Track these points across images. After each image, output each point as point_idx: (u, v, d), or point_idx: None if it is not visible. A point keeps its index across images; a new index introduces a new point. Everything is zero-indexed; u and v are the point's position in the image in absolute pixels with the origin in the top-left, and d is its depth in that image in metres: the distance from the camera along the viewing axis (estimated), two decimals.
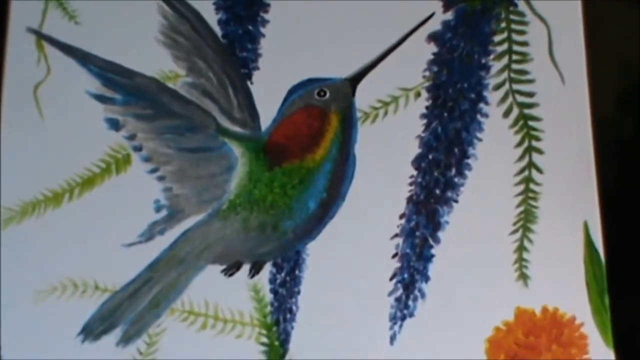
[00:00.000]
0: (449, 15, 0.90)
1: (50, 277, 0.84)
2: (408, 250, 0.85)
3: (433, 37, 0.89)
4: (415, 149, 0.87)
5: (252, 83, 0.89)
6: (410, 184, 0.86)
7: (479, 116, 0.88)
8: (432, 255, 0.85)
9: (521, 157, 0.87)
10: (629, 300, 0.86)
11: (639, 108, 0.92)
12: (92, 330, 0.83)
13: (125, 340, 0.83)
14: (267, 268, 0.85)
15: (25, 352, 0.83)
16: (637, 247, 0.90)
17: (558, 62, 0.89)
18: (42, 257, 0.85)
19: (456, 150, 0.87)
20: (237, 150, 0.87)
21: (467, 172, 0.87)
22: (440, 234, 0.86)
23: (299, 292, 0.84)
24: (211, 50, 0.88)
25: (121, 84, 0.87)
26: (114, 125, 0.87)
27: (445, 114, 0.87)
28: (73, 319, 0.84)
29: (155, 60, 0.89)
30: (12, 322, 0.83)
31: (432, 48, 0.89)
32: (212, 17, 0.90)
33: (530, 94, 0.88)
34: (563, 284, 0.85)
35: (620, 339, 0.84)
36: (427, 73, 0.89)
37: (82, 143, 0.87)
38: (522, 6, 0.90)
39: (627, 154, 0.91)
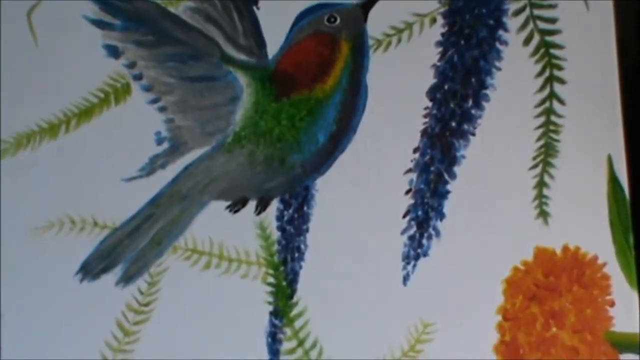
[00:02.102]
0: None
1: (47, 213, 0.75)
2: (422, 186, 0.75)
3: None
4: (430, 79, 0.77)
5: (258, 8, 0.78)
6: (425, 116, 0.76)
7: (497, 44, 0.77)
8: (448, 192, 0.75)
9: (542, 88, 0.76)
10: None
11: None
12: (91, 269, 0.74)
13: (126, 279, 0.74)
14: (274, 204, 0.76)
15: (21, 291, 0.74)
16: None
17: None
18: (38, 191, 0.75)
19: (473, 80, 0.77)
20: (242, 79, 0.77)
21: (484, 104, 0.76)
22: (456, 168, 0.76)
23: (307, 230, 0.75)
24: None
25: (120, 9, 0.77)
26: (113, 52, 0.77)
27: (462, 42, 0.77)
28: (71, 257, 0.74)
29: None
30: (7, 260, 0.74)
31: None
32: None
33: (552, 20, 0.77)
34: (585, 222, 0.75)
35: None
36: None
37: (79, 71, 0.77)
38: None
39: None
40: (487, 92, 0.76)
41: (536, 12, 0.77)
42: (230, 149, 0.76)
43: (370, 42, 0.76)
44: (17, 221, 0.74)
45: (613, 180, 0.75)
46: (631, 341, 0.72)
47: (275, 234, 0.74)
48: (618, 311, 0.73)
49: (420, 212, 0.75)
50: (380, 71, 0.76)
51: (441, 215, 0.75)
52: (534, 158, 0.75)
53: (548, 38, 0.76)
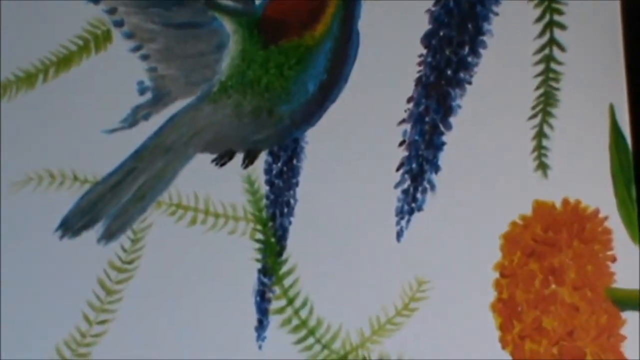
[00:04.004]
0: None
1: (24, 167, 0.66)
2: (416, 138, 0.66)
3: None
4: (424, 25, 0.68)
5: None
6: (419, 64, 0.67)
7: None
8: (443, 143, 0.67)
9: (541, 34, 0.67)
10: None
11: None
12: (72, 225, 0.65)
13: (108, 236, 0.65)
14: (262, 157, 0.67)
15: (1, 247, 0.64)
16: None
17: None
18: (15, 144, 0.66)
19: (470, 26, 0.67)
20: (228, 26, 0.67)
21: (481, 51, 0.67)
22: (452, 119, 0.67)
23: (297, 184, 0.66)
24: None
25: None
26: None
27: None
28: (50, 213, 0.65)
29: None
30: None
31: None
32: None
33: None
34: (586, 174, 0.66)
35: None
36: None
37: (57, 17, 0.67)
38: None
39: None
40: (484, 38, 0.67)
41: None
42: (216, 99, 0.67)
43: None
44: None
45: (615, 130, 0.66)
46: (633, 298, 0.64)
47: (264, 188, 0.66)
48: (620, 267, 0.65)
49: (414, 165, 0.66)
50: (372, 17, 0.68)
51: (436, 168, 0.66)
52: (533, 107, 0.67)
53: None
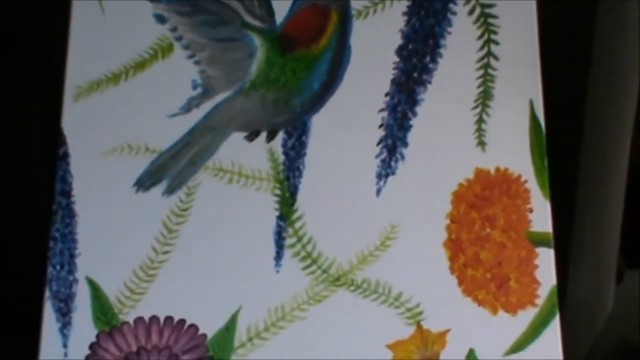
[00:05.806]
0: None
1: (112, 141, 0.74)
2: (391, 122, 0.74)
3: None
4: (398, 41, 0.75)
5: None
6: (394, 69, 0.75)
7: (448, 14, 0.76)
8: (411, 126, 0.74)
9: (481, 47, 0.75)
10: (564, 162, 0.79)
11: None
12: (144, 183, 0.74)
13: (170, 191, 0.74)
14: (280, 135, 0.74)
15: (94, 198, 0.73)
16: (571, 120, 0.83)
17: None
18: (105, 124, 0.74)
19: (430, 41, 0.75)
20: (257, 40, 0.75)
21: (439, 59, 0.75)
22: (417, 108, 0.75)
23: (305, 154, 0.74)
24: None
25: None
26: (160, 19, 0.75)
27: (422, 12, 0.76)
28: (129, 174, 0.74)
29: None
30: (84, 175, 0.73)
31: None
32: None
33: None
34: (512, 149, 0.74)
35: (555, 193, 0.74)
36: None
37: (135, 34, 0.75)
38: None
39: (570, 48, 0.82)
40: (441, 50, 0.75)
41: None
42: (247, 93, 0.74)
43: (353, 12, 0.75)
44: (90, 146, 0.73)
45: (533, 118, 0.74)
46: (544, 238, 0.73)
47: (281, 158, 0.73)
48: (535, 216, 0.73)
49: (389, 141, 0.74)
50: (360, 34, 0.75)
51: (405, 144, 0.73)
52: (475, 101, 0.74)
53: (486, 10, 0.75)
